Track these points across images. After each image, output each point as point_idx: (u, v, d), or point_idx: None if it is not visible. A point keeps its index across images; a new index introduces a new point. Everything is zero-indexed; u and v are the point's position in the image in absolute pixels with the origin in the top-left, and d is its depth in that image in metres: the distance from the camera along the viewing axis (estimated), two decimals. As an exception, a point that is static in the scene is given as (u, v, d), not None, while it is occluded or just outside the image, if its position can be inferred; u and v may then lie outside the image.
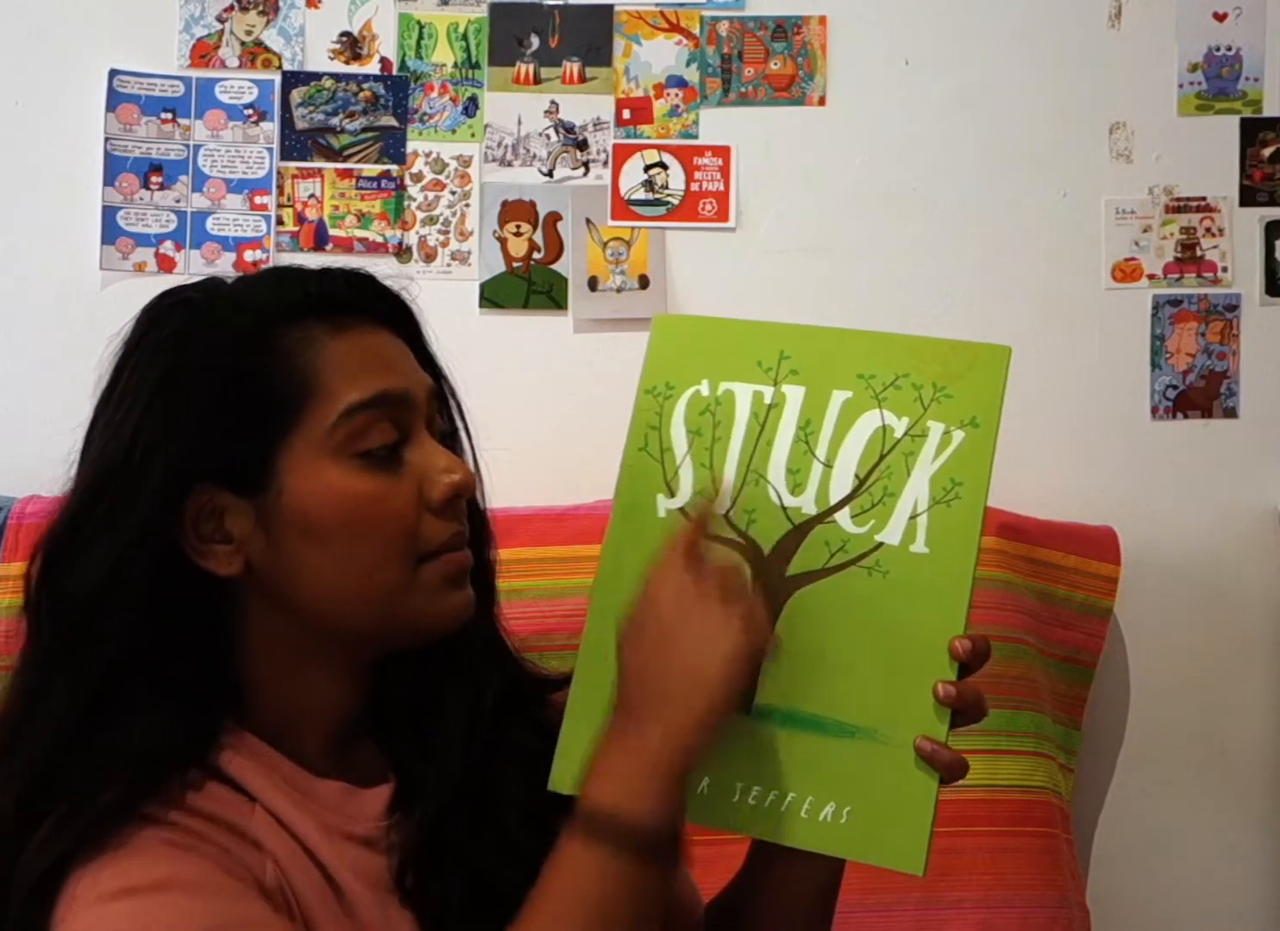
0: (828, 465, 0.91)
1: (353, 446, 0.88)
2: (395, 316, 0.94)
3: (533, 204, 1.87)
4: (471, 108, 1.87)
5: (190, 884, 0.80)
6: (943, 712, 0.87)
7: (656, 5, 1.87)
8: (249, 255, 1.85)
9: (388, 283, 0.95)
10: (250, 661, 0.91)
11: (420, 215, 1.87)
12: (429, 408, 0.93)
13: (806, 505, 0.91)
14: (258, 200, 1.86)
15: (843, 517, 0.90)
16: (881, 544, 0.89)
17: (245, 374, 0.87)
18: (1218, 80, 1.86)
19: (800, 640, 0.89)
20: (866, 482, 0.90)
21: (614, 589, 0.94)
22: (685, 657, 0.82)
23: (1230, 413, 1.87)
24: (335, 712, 0.93)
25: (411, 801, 0.92)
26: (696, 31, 1.87)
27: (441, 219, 1.87)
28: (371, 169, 1.87)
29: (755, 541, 0.91)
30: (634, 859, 0.81)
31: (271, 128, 1.86)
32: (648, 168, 1.87)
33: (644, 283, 1.86)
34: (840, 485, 0.91)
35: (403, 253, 1.87)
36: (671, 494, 0.94)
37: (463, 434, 0.98)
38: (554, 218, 1.87)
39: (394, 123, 1.87)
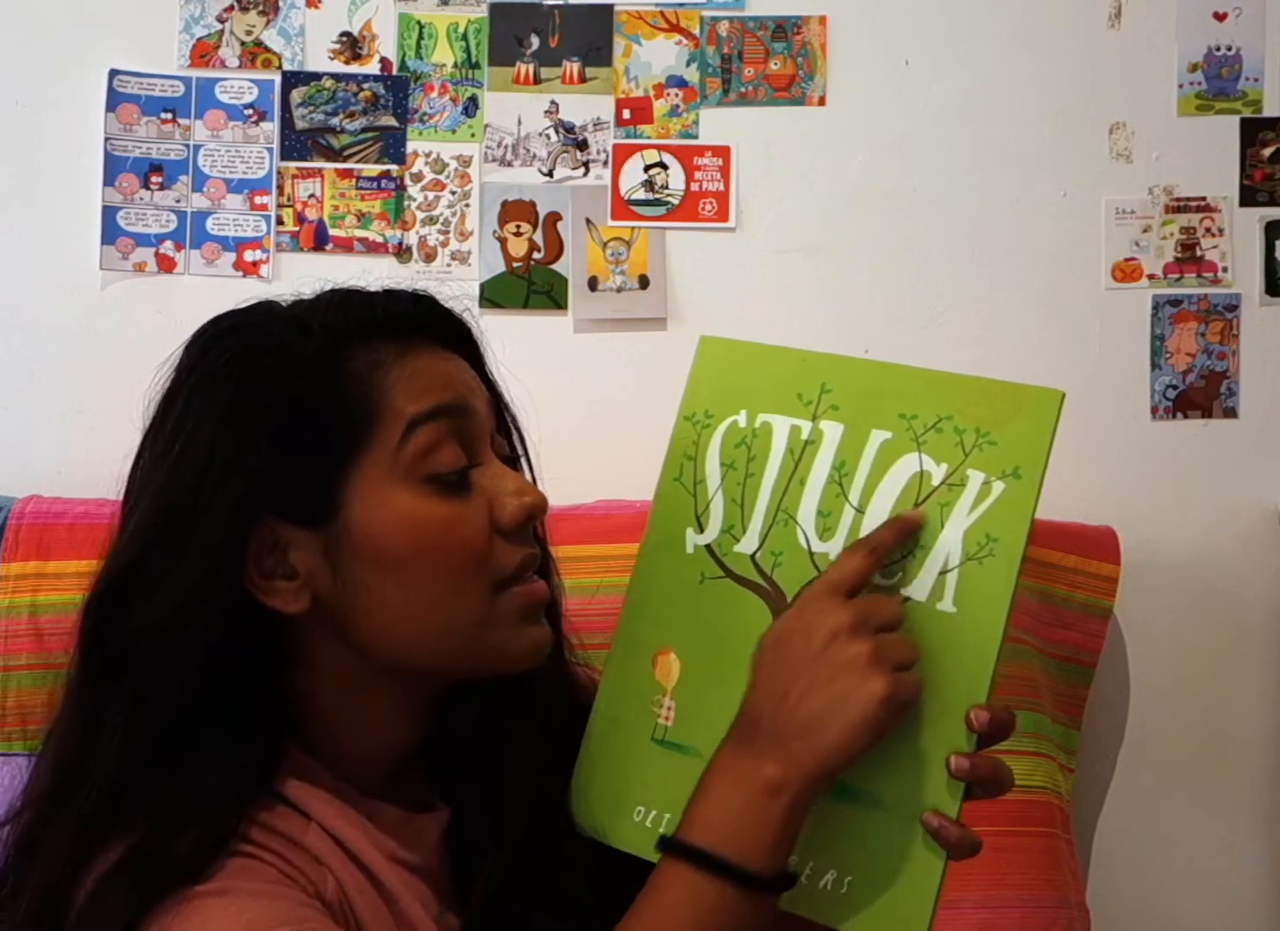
0: (860, 510, 0.86)
1: (421, 470, 0.85)
2: (458, 339, 0.92)
3: (533, 204, 1.87)
4: (471, 108, 1.87)
5: (255, 890, 0.79)
6: (955, 786, 0.81)
7: (656, 5, 1.87)
8: (249, 255, 1.85)
9: (449, 305, 0.93)
10: (312, 695, 0.88)
11: (420, 215, 1.87)
12: (491, 424, 0.90)
13: (834, 552, 0.86)
14: (258, 200, 1.86)
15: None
16: (908, 599, 0.84)
17: (314, 401, 0.84)
18: (1218, 80, 1.86)
19: None
20: None
21: (641, 624, 0.91)
22: (829, 695, 0.78)
23: (1230, 412, 1.87)
24: (395, 745, 0.91)
25: (466, 832, 0.90)
26: (696, 31, 1.87)
27: (441, 219, 1.87)
28: (371, 169, 1.87)
29: (779, 586, 0.87)
30: (740, 895, 0.77)
31: (271, 128, 1.86)
32: (648, 168, 1.87)
33: (644, 283, 1.86)
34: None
35: (403, 253, 1.87)
36: (701, 529, 0.90)
37: (523, 460, 0.96)
38: (554, 218, 1.87)
39: (394, 123, 1.87)
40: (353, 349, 0.86)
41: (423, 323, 0.90)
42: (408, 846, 0.88)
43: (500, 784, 0.90)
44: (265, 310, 0.90)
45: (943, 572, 0.84)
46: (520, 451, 0.96)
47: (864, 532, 0.86)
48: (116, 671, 0.84)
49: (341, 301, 0.90)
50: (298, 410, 0.84)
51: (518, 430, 0.96)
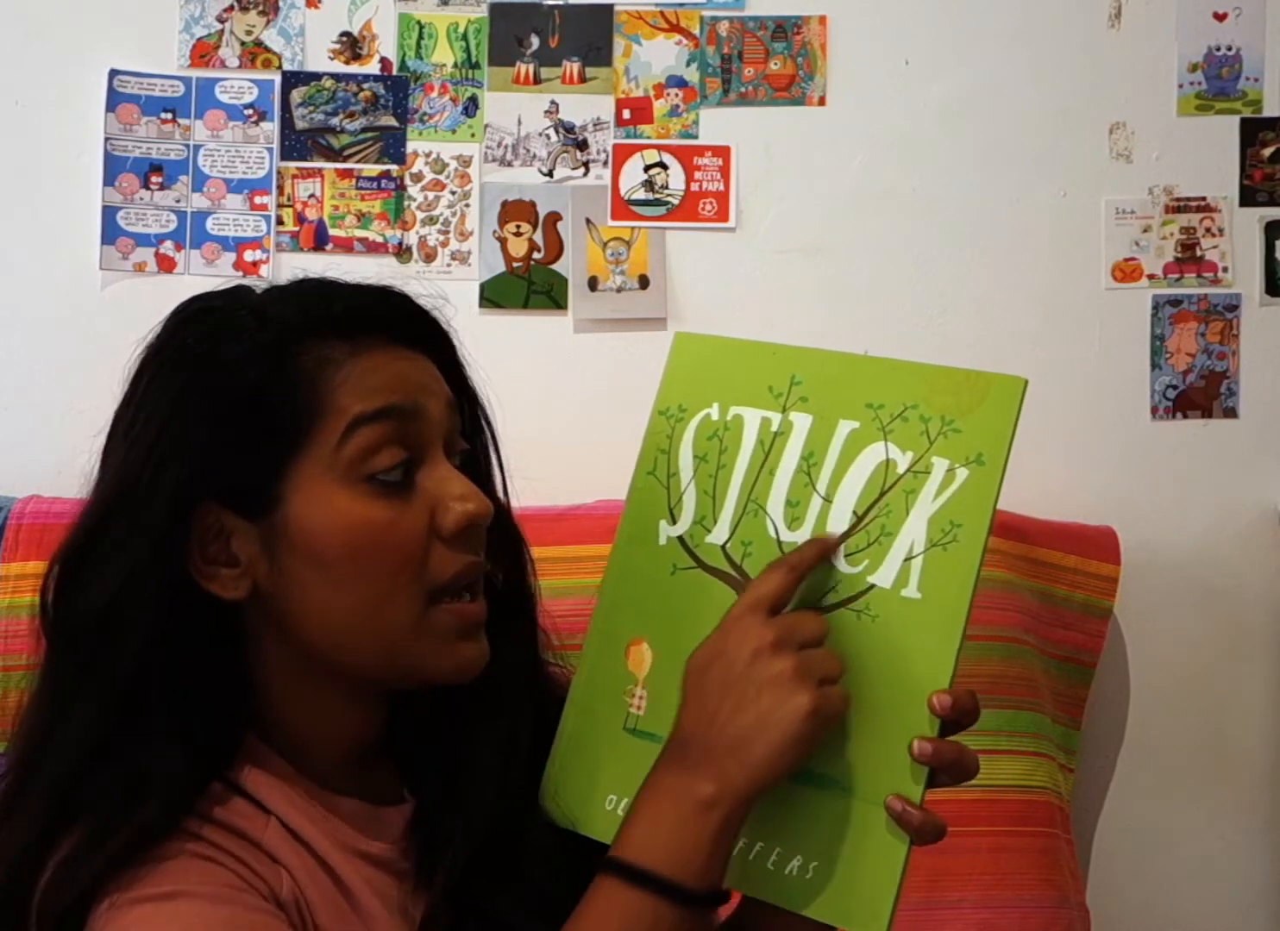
0: (827, 499, 0.87)
1: (361, 469, 0.84)
2: (427, 338, 0.91)
3: (533, 204, 1.87)
4: (471, 108, 1.87)
5: (205, 894, 0.79)
6: (919, 771, 0.82)
7: (656, 5, 1.87)
8: (249, 255, 1.85)
9: (422, 302, 0.92)
10: (264, 683, 0.89)
11: (420, 215, 1.87)
12: (449, 425, 0.89)
13: (802, 541, 0.87)
14: (258, 200, 1.86)
15: (837, 556, 0.86)
16: (873, 586, 0.85)
17: (260, 392, 0.84)
18: (1218, 80, 1.86)
19: None
20: (864, 520, 0.86)
21: (615, 615, 0.93)
22: (756, 712, 0.79)
23: (1230, 412, 1.87)
24: (348, 737, 0.91)
25: (430, 826, 0.90)
26: (696, 31, 1.87)
27: (441, 219, 1.87)
28: (371, 169, 1.87)
29: (749, 575, 0.88)
30: (674, 911, 0.79)
31: (271, 128, 1.86)
32: (648, 168, 1.87)
33: (644, 283, 1.86)
34: (837, 521, 0.87)
35: (403, 253, 1.87)
36: (674, 520, 0.92)
37: (495, 461, 0.95)
38: (554, 218, 1.87)
39: (394, 123, 1.87)
40: (305, 343, 0.86)
41: (386, 319, 0.89)
42: (370, 839, 0.89)
43: (464, 776, 0.90)
44: (236, 296, 0.91)
45: (907, 559, 0.85)
46: (492, 452, 0.96)
47: (831, 521, 0.87)
48: (72, 646, 0.85)
49: (304, 293, 0.90)
50: (244, 400, 0.84)
51: (490, 430, 0.96)
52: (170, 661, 0.84)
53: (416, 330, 0.91)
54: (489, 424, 0.96)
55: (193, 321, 0.89)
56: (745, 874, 0.86)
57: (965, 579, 0.84)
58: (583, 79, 1.87)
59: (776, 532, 0.89)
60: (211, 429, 0.84)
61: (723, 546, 0.90)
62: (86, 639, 0.84)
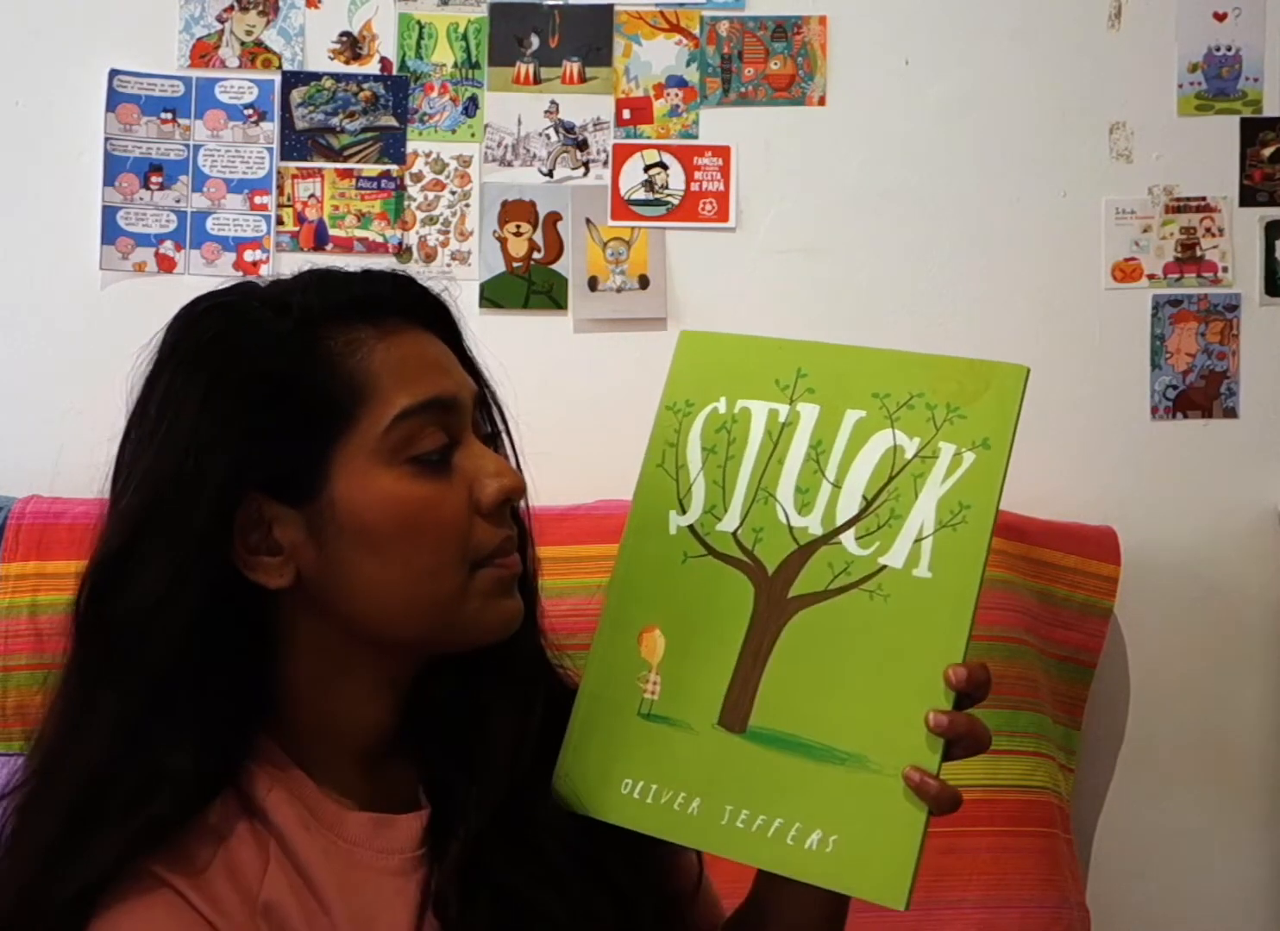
0: (836, 485, 0.90)
1: (404, 452, 0.86)
2: (437, 319, 0.93)
3: (533, 204, 1.87)
4: (471, 108, 1.87)
5: None
6: (935, 743, 0.84)
7: (656, 5, 1.87)
8: (249, 255, 1.85)
9: (428, 284, 0.93)
10: (291, 672, 0.89)
11: (420, 215, 1.87)
12: (473, 409, 0.92)
13: (813, 525, 0.90)
14: (258, 200, 1.86)
15: (848, 539, 0.89)
16: (885, 567, 0.88)
17: (293, 379, 0.85)
18: (1218, 80, 1.86)
19: (799, 662, 0.88)
20: (874, 504, 0.89)
21: (626, 604, 0.94)
22: None
23: (1230, 413, 1.87)
24: (371, 726, 0.92)
25: (448, 827, 0.90)
26: (696, 31, 1.87)
27: (441, 219, 1.87)
28: (371, 169, 1.87)
29: (760, 560, 0.91)
30: None
31: (271, 128, 1.86)
32: (648, 168, 1.87)
33: (644, 283, 1.86)
34: (847, 506, 0.90)
35: (403, 253, 1.87)
36: (683, 511, 0.94)
37: (504, 437, 0.97)
38: (554, 218, 1.87)
39: (394, 123, 1.87)
40: (330, 327, 0.87)
41: (401, 303, 0.91)
42: (384, 853, 0.89)
43: (480, 752, 0.91)
44: (245, 290, 0.91)
45: (918, 540, 0.87)
46: (501, 428, 0.97)
47: (840, 506, 0.90)
48: (108, 651, 0.85)
49: (319, 281, 0.91)
50: (276, 388, 0.85)
51: (499, 407, 0.97)
52: (203, 655, 0.84)
53: (428, 312, 0.93)
54: (497, 401, 0.97)
55: (205, 319, 0.89)
56: (765, 850, 0.87)
57: (975, 557, 0.86)
58: (583, 79, 1.87)
59: (787, 518, 0.91)
60: (246, 422, 0.84)
61: (734, 533, 0.92)
62: (126, 643, 0.84)
